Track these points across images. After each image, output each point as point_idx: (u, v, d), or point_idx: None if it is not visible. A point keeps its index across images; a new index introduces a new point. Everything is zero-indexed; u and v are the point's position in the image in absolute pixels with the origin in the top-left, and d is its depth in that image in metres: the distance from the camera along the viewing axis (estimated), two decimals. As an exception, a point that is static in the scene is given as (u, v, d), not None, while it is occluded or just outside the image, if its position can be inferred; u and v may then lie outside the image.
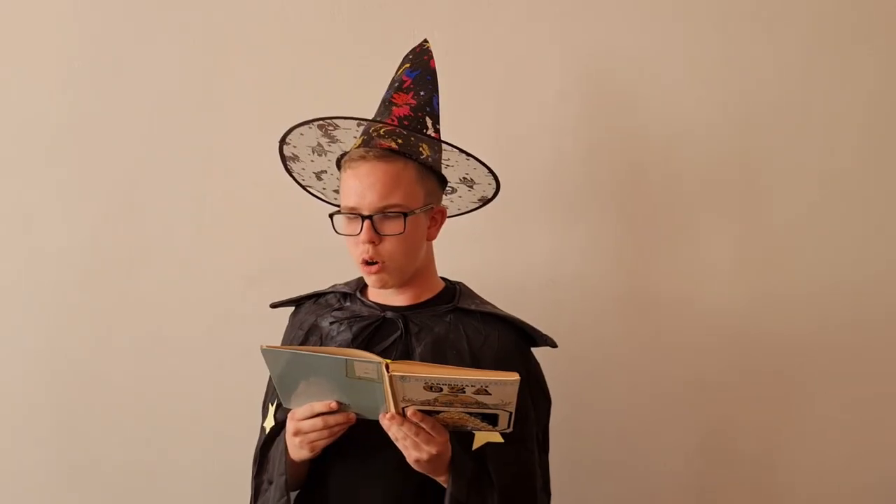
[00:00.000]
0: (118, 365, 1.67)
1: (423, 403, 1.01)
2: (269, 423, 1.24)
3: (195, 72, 1.64)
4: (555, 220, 1.65)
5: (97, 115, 1.64)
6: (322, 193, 1.37)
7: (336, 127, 1.20)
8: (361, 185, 1.14)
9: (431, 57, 1.26)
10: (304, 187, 1.36)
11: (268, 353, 1.02)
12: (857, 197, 1.64)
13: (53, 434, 1.69)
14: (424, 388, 0.98)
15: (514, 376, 0.96)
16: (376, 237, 1.14)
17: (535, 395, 1.24)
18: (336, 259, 1.55)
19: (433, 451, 1.03)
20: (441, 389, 0.98)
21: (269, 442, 1.23)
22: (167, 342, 1.67)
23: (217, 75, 1.64)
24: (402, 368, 0.98)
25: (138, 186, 1.65)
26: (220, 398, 1.67)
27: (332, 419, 1.06)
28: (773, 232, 1.65)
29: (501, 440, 1.15)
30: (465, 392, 0.98)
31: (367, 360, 0.98)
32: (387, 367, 0.97)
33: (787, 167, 1.63)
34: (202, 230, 1.66)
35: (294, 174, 1.32)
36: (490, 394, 0.98)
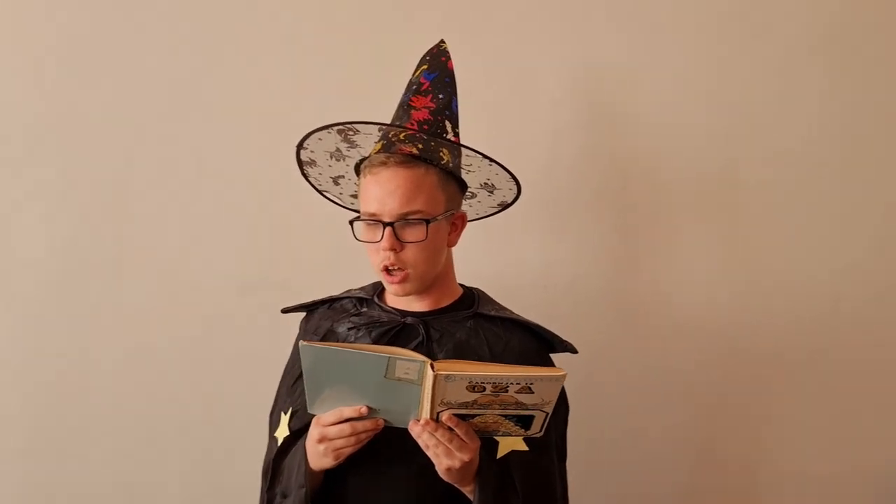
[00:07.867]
0: (100, 376, 1.61)
1: (460, 406, 0.99)
2: (283, 432, 1.19)
3: (186, 71, 1.59)
4: (547, 226, 1.67)
5: (81, 112, 1.59)
6: (339, 198, 1.34)
7: (356, 132, 1.17)
8: (382, 192, 1.11)
9: (449, 58, 1.24)
10: (320, 192, 1.33)
11: (306, 349, 0.98)
12: (835, 202, 1.70)
13: (29, 447, 1.61)
14: (468, 387, 0.96)
15: (562, 371, 0.96)
16: (398, 244, 1.11)
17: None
18: (336, 266, 1.53)
19: (465, 458, 1.01)
20: (484, 389, 0.96)
21: (283, 453, 1.18)
22: (153, 352, 1.61)
23: (210, 75, 1.60)
24: (447, 367, 0.95)
25: (125, 187, 1.60)
26: (209, 411, 1.62)
27: (360, 425, 1.02)
28: (755, 235, 1.70)
29: (526, 448, 1.13)
30: (507, 391, 0.96)
31: (410, 359, 0.96)
32: (431, 366, 0.95)
33: (768, 175, 1.69)
34: (192, 234, 1.61)
35: (311, 179, 1.29)
36: (533, 392, 0.97)
